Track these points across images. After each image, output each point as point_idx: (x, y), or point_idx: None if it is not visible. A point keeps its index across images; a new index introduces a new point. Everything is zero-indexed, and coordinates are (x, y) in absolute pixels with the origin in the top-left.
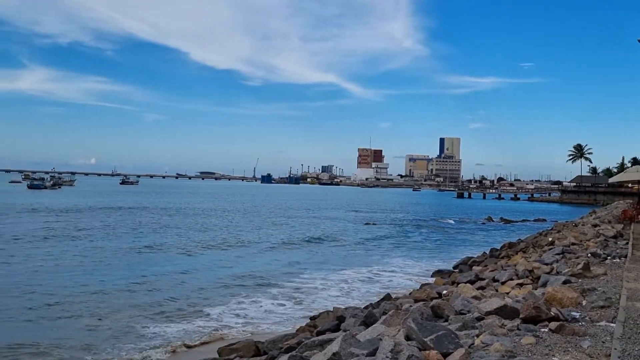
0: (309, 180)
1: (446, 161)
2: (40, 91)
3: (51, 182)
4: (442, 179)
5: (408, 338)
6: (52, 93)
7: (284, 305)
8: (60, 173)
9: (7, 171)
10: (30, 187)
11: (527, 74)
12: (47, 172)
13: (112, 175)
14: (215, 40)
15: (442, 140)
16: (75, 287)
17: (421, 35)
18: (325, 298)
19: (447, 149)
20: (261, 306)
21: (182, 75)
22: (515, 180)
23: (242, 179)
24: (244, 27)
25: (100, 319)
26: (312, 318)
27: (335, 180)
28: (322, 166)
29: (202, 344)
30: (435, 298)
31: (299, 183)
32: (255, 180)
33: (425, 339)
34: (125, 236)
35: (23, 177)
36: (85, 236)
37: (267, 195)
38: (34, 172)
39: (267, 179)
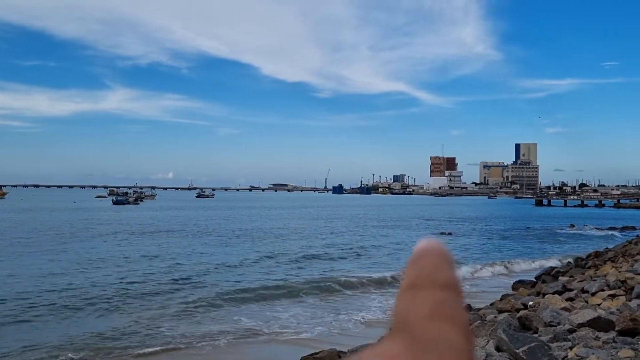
0: (380, 190)
1: (522, 167)
2: (122, 110)
3: (134, 197)
4: (518, 186)
5: (498, 349)
6: (133, 112)
7: (364, 315)
8: (141, 188)
9: (94, 187)
10: (116, 202)
11: (609, 73)
12: (130, 187)
13: (189, 189)
14: (285, 54)
15: (517, 146)
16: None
17: (493, 39)
18: None
19: (523, 155)
20: (339, 315)
21: (254, 90)
22: (599, 185)
23: (314, 190)
24: (313, 40)
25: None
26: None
27: (408, 189)
28: (394, 175)
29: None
30: (521, 309)
31: (370, 193)
32: (327, 191)
33: (517, 351)
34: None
35: (108, 192)
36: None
37: (339, 206)
38: (118, 188)
39: (338, 189)
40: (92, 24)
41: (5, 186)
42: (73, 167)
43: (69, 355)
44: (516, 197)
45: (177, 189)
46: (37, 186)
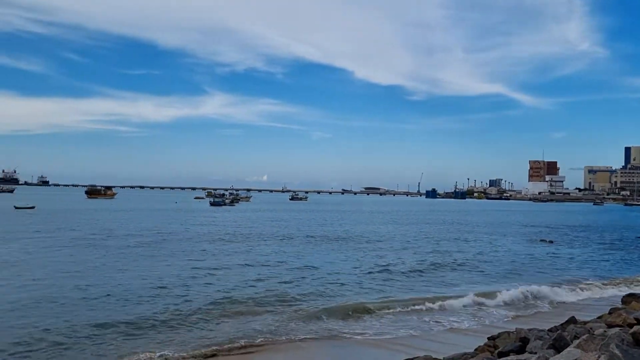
0: (475, 194)
1: (633, 172)
2: (219, 115)
3: (230, 198)
4: (628, 193)
5: None
6: (230, 116)
7: (460, 321)
8: (237, 190)
9: (193, 188)
10: (213, 204)
11: None
12: (226, 189)
13: (282, 191)
14: (378, 57)
15: (627, 150)
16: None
17: (599, 36)
18: (498, 318)
19: (634, 159)
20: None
21: (347, 94)
22: None
23: (407, 194)
24: (406, 43)
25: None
26: (491, 338)
27: (505, 194)
28: (490, 180)
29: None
30: (634, 324)
31: (465, 198)
32: (420, 195)
33: None
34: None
35: (206, 194)
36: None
37: (432, 211)
38: (215, 190)
39: (431, 193)
40: (192, 34)
41: (114, 187)
42: (174, 170)
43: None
44: (626, 204)
45: (271, 191)
46: (142, 187)
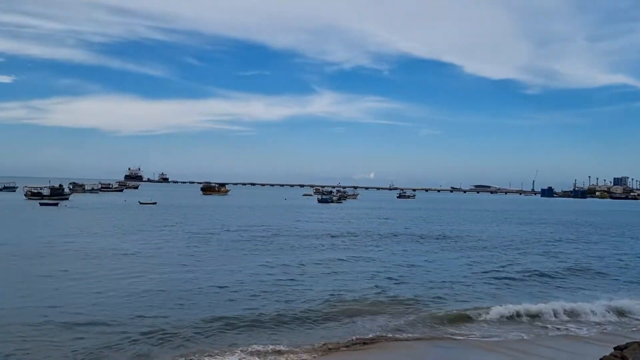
0: (597, 194)
1: None
2: (327, 113)
3: (337, 196)
4: None
5: None
6: (337, 114)
7: (579, 327)
8: (344, 187)
9: (301, 185)
10: (320, 201)
11: None
12: (333, 187)
13: (389, 189)
14: (489, 51)
15: None
16: None
17: None
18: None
19: None
20: (538, 324)
21: (456, 89)
22: None
23: (520, 192)
24: (519, 34)
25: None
26: (618, 348)
27: (631, 194)
28: (614, 178)
29: None
30: None
31: (585, 197)
32: (535, 194)
33: None
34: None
35: (314, 191)
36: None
37: (548, 210)
38: (322, 187)
39: (547, 192)
40: (302, 35)
41: (227, 184)
42: (283, 167)
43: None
44: None
45: (378, 189)
46: (253, 184)
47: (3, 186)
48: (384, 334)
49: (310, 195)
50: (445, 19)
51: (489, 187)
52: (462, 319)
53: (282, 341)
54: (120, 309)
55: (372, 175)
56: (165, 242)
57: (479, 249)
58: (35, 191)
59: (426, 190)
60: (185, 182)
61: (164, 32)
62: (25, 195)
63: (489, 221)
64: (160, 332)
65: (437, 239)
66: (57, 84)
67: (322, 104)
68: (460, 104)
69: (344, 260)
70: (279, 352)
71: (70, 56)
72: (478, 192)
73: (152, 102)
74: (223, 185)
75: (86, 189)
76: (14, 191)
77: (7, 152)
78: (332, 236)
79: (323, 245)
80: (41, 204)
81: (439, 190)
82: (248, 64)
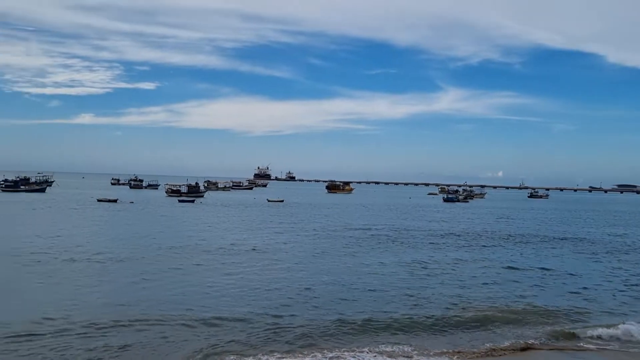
0: None
1: None
2: (452, 110)
3: (463, 195)
4: None
5: None
6: (462, 111)
7: None
8: (470, 186)
9: (426, 184)
10: (446, 200)
11: None
12: (459, 186)
13: (520, 188)
14: (637, 38)
15: None
16: None
17: None
18: None
19: None
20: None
21: (596, 81)
22: None
23: None
24: None
25: None
26: None
27: None
28: None
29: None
30: None
31: None
32: None
33: None
34: None
35: (439, 190)
36: None
37: None
38: (448, 186)
39: None
40: (425, 31)
41: (351, 182)
42: (407, 166)
43: None
44: None
45: (507, 188)
46: (377, 183)
47: (148, 184)
48: (519, 341)
49: (435, 194)
50: (582, 6)
51: (635, 186)
52: (596, 327)
53: (411, 342)
54: (253, 303)
55: (500, 173)
56: (293, 237)
57: (626, 253)
58: (175, 189)
59: (561, 189)
60: (310, 181)
61: (290, 34)
62: (166, 192)
63: (634, 224)
64: (289, 327)
65: (574, 241)
66: (194, 88)
67: (448, 100)
68: (600, 96)
69: (469, 261)
70: (408, 356)
71: (206, 62)
72: (622, 192)
73: (280, 102)
74: (347, 183)
75: (219, 186)
76: (157, 189)
77: (151, 152)
78: (457, 235)
79: (448, 245)
80: (180, 201)
81: (575, 190)
82: (372, 62)
